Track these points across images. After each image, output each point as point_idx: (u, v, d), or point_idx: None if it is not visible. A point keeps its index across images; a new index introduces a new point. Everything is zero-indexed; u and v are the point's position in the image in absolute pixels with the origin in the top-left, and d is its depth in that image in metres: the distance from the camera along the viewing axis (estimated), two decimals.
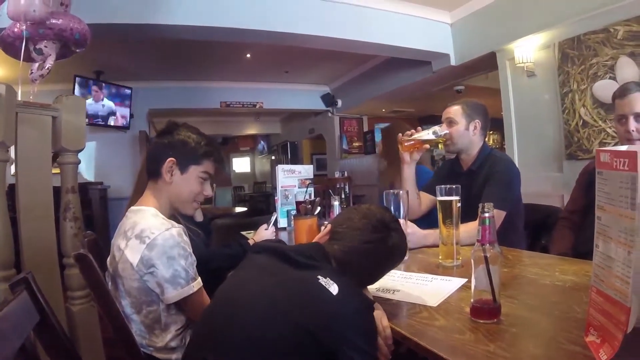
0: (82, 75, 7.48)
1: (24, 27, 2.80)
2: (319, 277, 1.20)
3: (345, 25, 5.88)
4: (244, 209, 8.20)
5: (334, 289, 1.17)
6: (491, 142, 12.27)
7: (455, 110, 2.69)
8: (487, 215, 1.22)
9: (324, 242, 1.43)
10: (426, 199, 2.79)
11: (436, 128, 2.62)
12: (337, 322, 1.14)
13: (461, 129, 2.66)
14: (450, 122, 2.68)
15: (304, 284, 1.22)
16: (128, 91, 8.36)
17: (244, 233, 3.17)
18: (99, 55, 6.86)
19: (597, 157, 0.93)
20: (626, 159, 0.83)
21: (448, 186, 1.92)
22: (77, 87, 7.35)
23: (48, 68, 3.02)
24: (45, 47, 2.96)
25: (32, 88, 3.03)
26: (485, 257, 1.16)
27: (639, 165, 0.80)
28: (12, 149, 2.57)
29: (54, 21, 2.91)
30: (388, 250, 1.41)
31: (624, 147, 0.91)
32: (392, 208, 2.05)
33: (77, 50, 3.20)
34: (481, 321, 1.18)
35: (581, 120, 4.82)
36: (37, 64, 3.05)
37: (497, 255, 1.19)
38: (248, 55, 7.95)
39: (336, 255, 1.37)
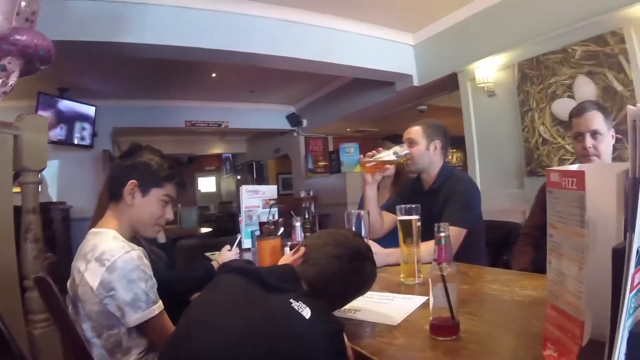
0: (46, 92, 7.36)
1: None
2: (291, 300, 1.19)
3: (310, 46, 5.94)
4: (209, 229, 8.14)
5: (306, 312, 1.16)
6: (454, 160, 12.43)
7: (415, 131, 2.72)
8: (442, 234, 1.24)
9: (296, 265, 1.42)
10: (388, 218, 2.80)
11: (397, 148, 2.64)
12: (311, 347, 1.12)
13: (422, 149, 2.69)
14: (411, 143, 2.70)
15: (276, 309, 1.19)
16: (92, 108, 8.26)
17: (208, 254, 3.15)
18: (63, 72, 6.79)
19: (547, 177, 0.95)
20: (574, 178, 0.86)
21: (408, 205, 1.94)
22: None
23: (11, 85, 2.98)
24: (9, 63, 2.91)
25: None
26: (442, 276, 1.18)
27: (586, 184, 0.83)
28: None
29: (17, 37, 2.86)
30: (363, 278, 1.43)
31: (574, 167, 0.93)
32: (353, 227, 2.06)
33: (42, 67, 3.15)
34: (440, 338, 1.19)
35: (541, 138, 4.93)
36: (0, 80, 3.01)
37: (454, 273, 1.20)
38: (214, 75, 7.94)
39: (310, 280, 1.36)
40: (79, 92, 7.93)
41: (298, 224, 2.08)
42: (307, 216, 3.43)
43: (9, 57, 2.91)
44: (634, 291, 0.73)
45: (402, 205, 1.96)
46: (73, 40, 4.52)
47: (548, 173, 0.95)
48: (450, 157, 12.30)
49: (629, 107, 0.72)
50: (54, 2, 4.23)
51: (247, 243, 3.33)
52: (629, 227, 0.71)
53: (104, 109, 8.53)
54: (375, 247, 2.24)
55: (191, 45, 5.18)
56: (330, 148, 11.32)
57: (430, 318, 1.23)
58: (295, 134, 10.97)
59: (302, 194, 9.07)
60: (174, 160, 1.92)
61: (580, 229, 0.85)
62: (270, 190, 3.57)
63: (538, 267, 2.31)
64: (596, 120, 2.38)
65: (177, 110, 9.64)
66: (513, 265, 2.61)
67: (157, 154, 1.86)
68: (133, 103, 9.10)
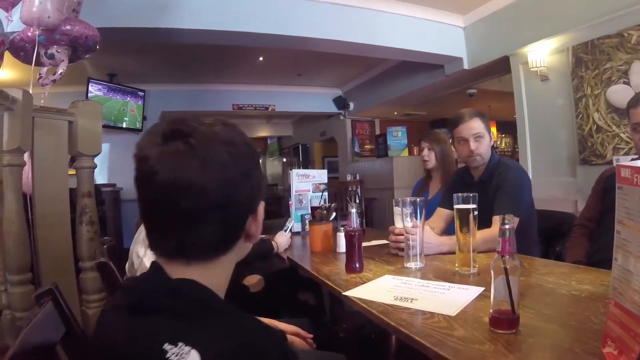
0: (95, 78, 7.53)
1: (37, 32, 2.82)
2: (166, 345, 0.75)
3: (358, 29, 5.90)
4: None
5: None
6: (503, 145, 12.25)
7: (480, 125, 2.65)
8: (507, 227, 1.22)
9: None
10: (445, 214, 2.79)
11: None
12: None
13: (487, 143, 2.65)
14: (478, 138, 2.64)
15: None
16: (141, 93, 8.42)
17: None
18: (112, 58, 6.92)
19: (617, 173, 0.94)
20: None
21: (465, 194, 1.93)
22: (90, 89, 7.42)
23: (61, 73, 3.05)
24: (58, 52, 2.98)
25: (43, 92, 3.06)
26: (505, 269, 1.16)
27: None
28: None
29: (69, 27, 2.93)
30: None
31: None
32: (408, 214, 2.06)
33: (86, 56, 3.23)
34: (500, 331, 1.18)
35: (595, 125, 4.81)
36: (46, 68, 3.08)
37: (517, 266, 1.19)
38: (261, 59, 7.98)
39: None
40: (127, 77, 8.10)
41: (354, 210, 2.07)
42: (356, 200, 3.45)
43: (57, 46, 2.98)
44: None
45: (459, 194, 1.95)
46: (118, 27, 4.58)
47: (618, 168, 0.93)
48: (499, 142, 12.13)
49: None
50: None
51: (296, 227, 3.36)
52: None
53: (153, 93, 8.70)
54: (428, 236, 2.24)
55: (237, 30, 5.21)
56: (377, 132, 11.25)
57: (491, 310, 1.22)
58: (341, 117, 10.95)
59: (349, 178, 9.08)
60: None
61: None
62: (320, 175, 3.59)
63: (593, 259, 2.27)
64: None
65: (224, 94, 9.75)
66: (567, 257, 2.56)
67: None
68: (181, 87, 9.25)
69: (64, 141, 2.86)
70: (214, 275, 0.91)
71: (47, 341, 1.08)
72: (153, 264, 0.90)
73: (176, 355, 0.73)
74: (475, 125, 2.65)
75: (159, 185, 0.84)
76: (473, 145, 2.61)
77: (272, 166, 17.48)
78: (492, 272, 1.21)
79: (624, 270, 0.94)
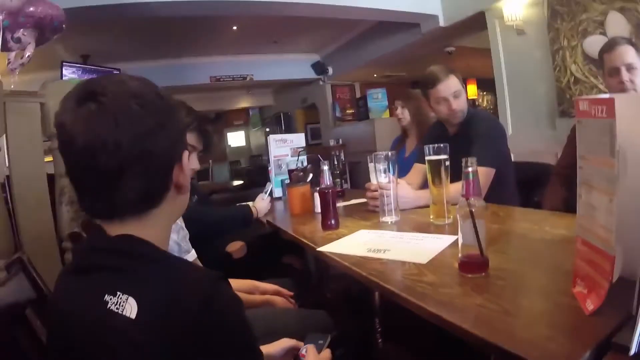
0: (69, 60, 7.40)
1: (1, 16, 2.77)
2: (106, 297, 0.82)
3: None
4: (241, 182, 8.23)
5: (130, 308, 0.79)
6: (485, 103, 12.24)
7: (457, 82, 2.60)
8: (470, 169, 1.21)
9: None
10: (422, 169, 2.78)
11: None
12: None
13: (465, 98, 2.63)
14: (457, 94, 2.59)
15: (80, 318, 0.86)
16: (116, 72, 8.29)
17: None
18: (84, 39, 6.76)
19: (576, 106, 0.93)
20: (604, 105, 0.83)
21: (436, 145, 1.93)
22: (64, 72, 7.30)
23: (29, 56, 3.01)
24: (24, 35, 2.93)
25: (13, 77, 3.02)
26: (471, 212, 1.16)
27: (617, 112, 0.80)
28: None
29: (32, 9, 2.88)
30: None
31: (604, 95, 0.90)
32: (382, 169, 2.06)
33: (54, 37, 3.17)
34: (469, 275, 1.19)
35: (573, 77, 4.80)
36: (14, 53, 3.03)
37: (482, 208, 1.19)
38: (234, 28, 7.85)
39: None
40: (101, 57, 7.92)
41: (326, 167, 2.07)
42: (337, 164, 3.44)
43: (23, 29, 2.92)
44: None
45: (430, 145, 1.95)
46: (86, 5, 4.47)
47: (577, 102, 0.92)
48: (480, 100, 12.13)
49: None
50: None
51: (277, 192, 3.36)
52: None
53: (128, 72, 8.47)
54: (404, 190, 2.24)
55: None
56: (357, 95, 11.21)
57: (459, 255, 1.22)
58: (321, 83, 10.85)
59: (332, 143, 9.06)
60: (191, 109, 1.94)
61: (610, 159, 0.82)
62: (298, 139, 3.58)
63: (570, 206, 2.28)
64: (630, 53, 2.32)
65: (201, 67, 9.60)
66: (544, 205, 2.58)
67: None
68: (156, 63, 9.04)
69: (37, 123, 2.83)
70: (151, 228, 0.93)
71: (16, 305, 1.09)
72: (94, 226, 0.95)
73: (116, 304, 0.80)
74: (453, 83, 2.60)
75: (77, 149, 0.84)
76: (454, 103, 2.58)
77: (255, 137, 17.39)
78: (458, 217, 1.21)
79: (588, 206, 0.93)
